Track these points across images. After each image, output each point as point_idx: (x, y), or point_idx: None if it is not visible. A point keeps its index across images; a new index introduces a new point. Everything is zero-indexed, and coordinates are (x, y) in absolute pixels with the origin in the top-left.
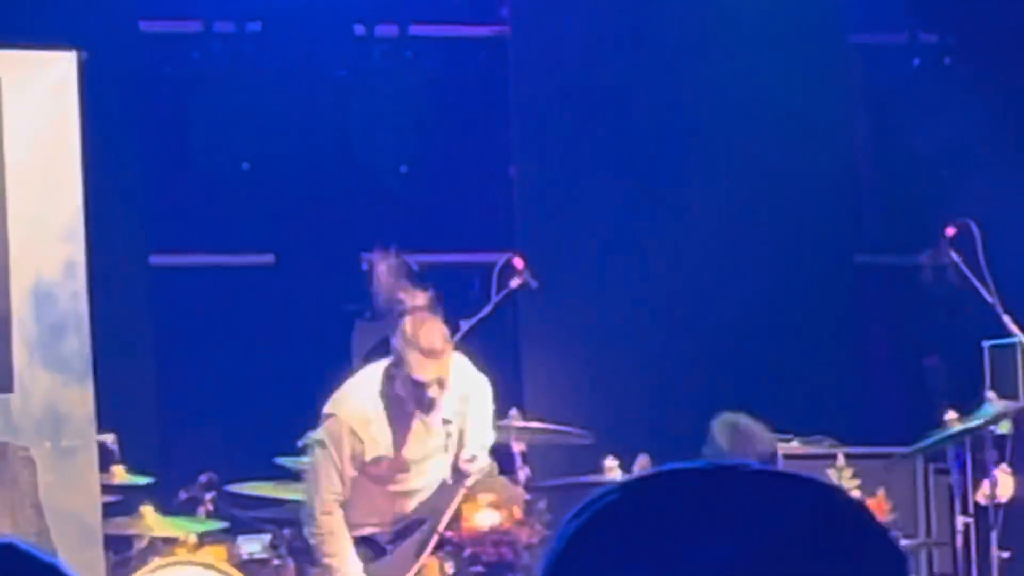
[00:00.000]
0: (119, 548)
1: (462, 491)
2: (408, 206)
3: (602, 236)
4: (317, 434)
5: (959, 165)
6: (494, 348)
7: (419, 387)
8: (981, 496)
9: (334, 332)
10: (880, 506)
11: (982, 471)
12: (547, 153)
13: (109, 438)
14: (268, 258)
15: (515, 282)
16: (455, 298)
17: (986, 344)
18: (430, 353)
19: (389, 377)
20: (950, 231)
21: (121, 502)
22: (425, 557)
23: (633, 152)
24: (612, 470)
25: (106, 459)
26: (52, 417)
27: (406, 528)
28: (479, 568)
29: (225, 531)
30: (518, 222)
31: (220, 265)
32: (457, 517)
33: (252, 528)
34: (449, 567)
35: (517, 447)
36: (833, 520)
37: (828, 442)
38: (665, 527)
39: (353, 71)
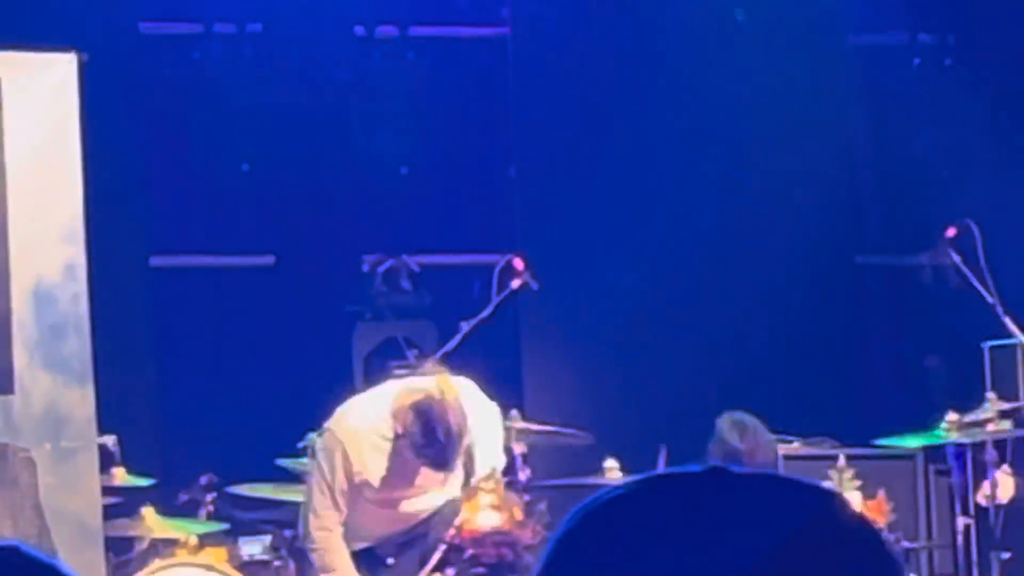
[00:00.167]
0: (120, 549)
1: (466, 503)
2: (409, 207)
3: (602, 237)
4: (316, 445)
5: (959, 166)
6: (495, 349)
7: (428, 451)
8: (982, 497)
9: (334, 333)
10: (880, 507)
11: (982, 472)
12: (548, 154)
13: (110, 439)
14: (268, 259)
15: (516, 283)
16: (456, 299)
17: (986, 345)
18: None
19: (396, 440)
20: (950, 232)
21: (122, 503)
22: (428, 570)
23: (633, 153)
24: (612, 471)
25: (106, 460)
26: (52, 418)
27: (408, 541)
28: (480, 569)
29: (226, 532)
30: (519, 223)
31: (220, 266)
32: (456, 522)
33: (253, 529)
34: (449, 570)
35: (518, 448)
36: (827, 524)
37: (829, 443)
38: (659, 531)
39: (354, 72)
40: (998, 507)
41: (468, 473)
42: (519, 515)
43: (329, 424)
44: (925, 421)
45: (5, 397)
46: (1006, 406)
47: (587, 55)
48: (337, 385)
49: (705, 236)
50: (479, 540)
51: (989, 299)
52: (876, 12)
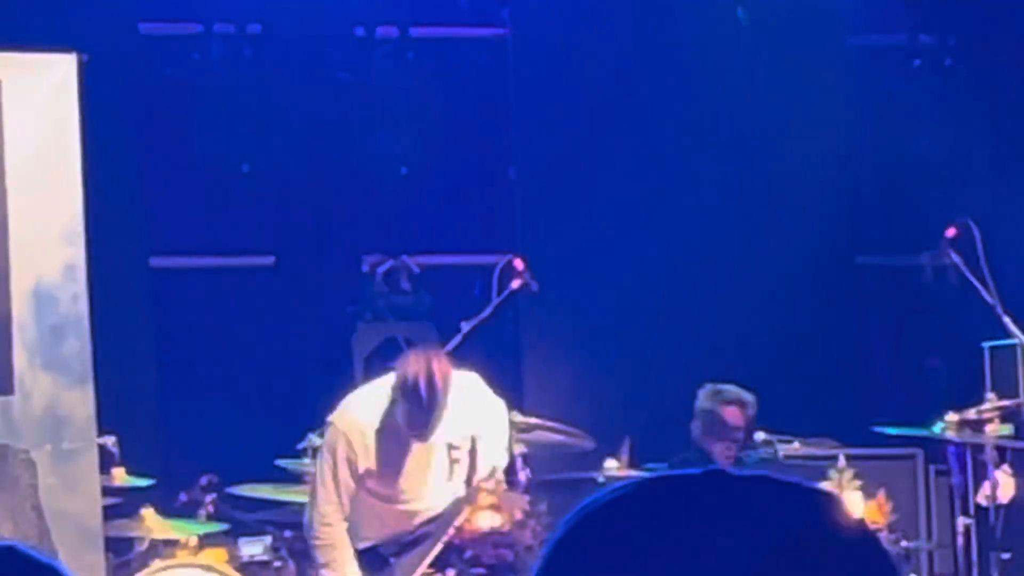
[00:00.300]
0: (120, 550)
1: (468, 505)
2: (409, 208)
3: (602, 238)
4: (320, 442)
5: (959, 166)
6: (495, 350)
7: (415, 421)
8: (982, 497)
9: (334, 334)
10: (881, 507)
11: (983, 472)
12: (547, 155)
13: (110, 440)
14: (268, 260)
15: (516, 284)
16: (456, 300)
17: (986, 345)
18: (429, 430)
19: (390, 399)
20: (950, 232)
21: (122, 504)
22: (425, 566)
23: (633, 153)
24: (612, 471)
25: (107, 461)
26: (53, 419)
27: (411, 541)
28: (480, 570)
29: (226, 533)
30: (518, 224)
31: (220, 267)
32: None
33: (253, 530)
34: (450, 570)
35: (518, 449)
36: (823, 526)
37: (829, 443)
38: (657, 533)
39: (354, 73)
40: (998, 507)
41: (472, 467)
42: (519, 516)
43: (331, 418)
44: (925, 421)
45: (5, 398)
46: (1006, 403)
47: (587, 56)
48: (337, 385)
49: (705, 236)
50: (479, 540)
51: (989, 299)
52: (876, 13)
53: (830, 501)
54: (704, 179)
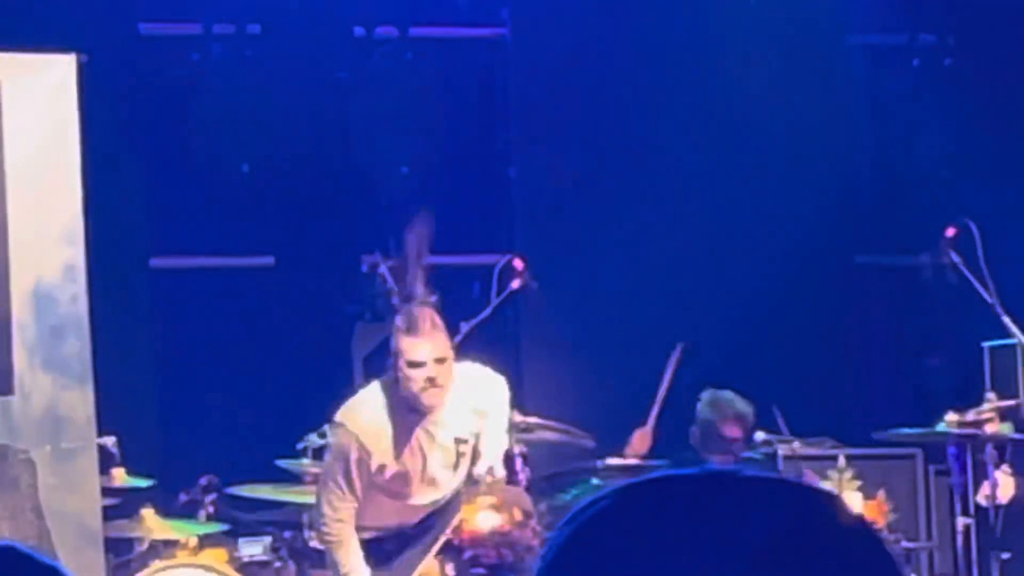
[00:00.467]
0: (120, 551)
1: (469, 500)
2: (408, 208)
3: (602, 237)
4: (328, 441)
5: (959, 166)
6: (495, 350)
7: (416, 368)
8: (982, 497)
9: (334, 334)
10: (881, 507)
11: (983, 472)
12: (547, 155)
13: (109, 441)
14: (268, 260)
15: (515, 284)
16: (456, 300)
17: (986, 345)
18: (420, 332)
19: (392, 382)
20: (950, 232)
21: (121, 505)
22: (428, 559)
23: (632, 153)
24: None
25: (106, 462)
26: (52, 420)
27: (416, 533)
28: (480, 570)
29: (225, 533)
30: (518, 224)
31: (220, 267)
32: (458, 519)
33: (253, 530)
34: (450, 569)
35: (518, 449)
36: (824, 525)
37: (829, 443)
38: (656, 533)
39: (353, 73)
40: (998, 507)
41: (475, 454)
42: (519, 516)
43: (340, 419)
44: (925, 421)
45: (5, 398)
46: (1005, 404)
47: (586, 56)
48: (336, 386)
49: (704, 236)
50: (479, 541)
51: (989, 299)
52: (876, 12)
53: (831, 500)
54: (703, 179)
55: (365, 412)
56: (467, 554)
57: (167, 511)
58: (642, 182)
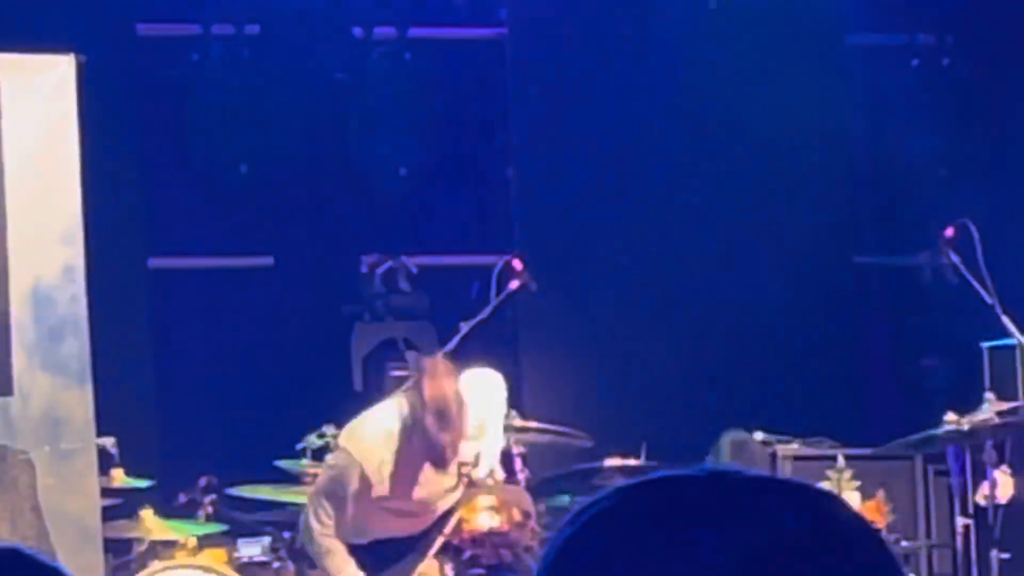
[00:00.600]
0: (119, 551)
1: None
2: (407, 208)
3: (600, 237)
4: (328, 459)
5: (958, 166)
6: (493, 350)
7: (435, 448)
8: (981, 497)
9: (333, 334)
10: (880, 508)
11: (981, 472)
12: (545, 155)
13: (108, 441)
14: (267, 260)
15: (514, 284)
16: (454, 300)
17: (985, 345)
18: (446, 418)
19: (406, 431)
20: (949, 232)
21: (121, 505)
22: (426, 560)
23: (631, 153)
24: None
25: (105, 462)
26: (51, 420)
27: (410, 539)
28: (478, 570)
29: (225, 534)
30: (517, 224)
31: (219, 267)
32: (457, 519)
33: (252, 531)
34: (449, 569)
35: (517, 449)
36: (825, 525)
37: (828, 443)
38: (656, 534)
39: (352, 73)
40: (997, 507)
41: (476, 460)
42: (518, 516)
43: (343, 442)
44: (923, 421)
45: (4, 399)
46: (1005, 406)
47: (585, 56)
48: (335, 386)
49: (703, 236)
50: (478, 541)
51: (988, 299)
52: (875, 12)
53: (832, 500)
54: (702, 179)
55: (369, 437)
56: (466, 554)
57: (166, 512)
58: (640, 182)
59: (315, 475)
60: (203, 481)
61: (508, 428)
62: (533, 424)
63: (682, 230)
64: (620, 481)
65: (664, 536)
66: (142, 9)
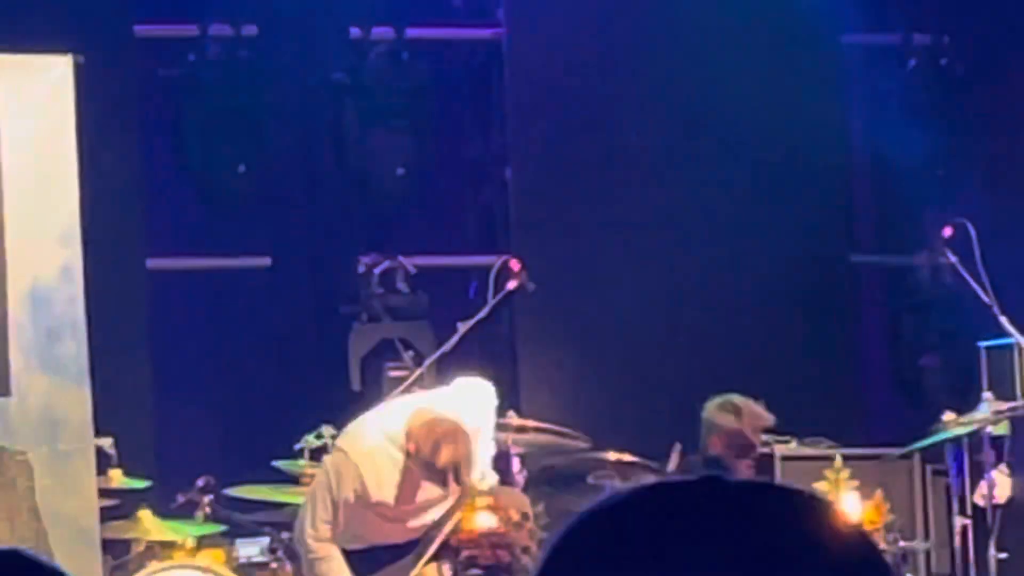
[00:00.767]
0: (116, 552)
1: (464, 506)
2: (405, 209)
3: (598, 238)
4: (325, 461)
5: (955, 165)
6: (491, 350)
7: (435, 472)
8: (979, 497)
9: (330, 335)
10: (878, 508)
11: (980, 472)
12: (543, 155)
13: (106, 442)
14: (264, 261)
15: (512, 285)
16: (452, 301)
17: (983, 345)
18: (457, 475)
19: (410, 467)
20: (946, 231)
21: (118, 506)
22: (423, 564)
23: (628, 153)
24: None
25: (103, 463)
26: (49, 421)
27: (406, 544)
28: (476, 571)
29: (223, 534)
30: (514, 225)
31: (216, 268)
32: (454, 522)
33: (250, 531)
34: (446, 570)
35: (514, 450)
36: (819, 531)
37: (825, 443)
38: (653, 539)
39: (349, 74)
40: (995, 507)
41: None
42: (515, 517)
43: (341, 445)
44: (922, 421)
45: (1, 399)
46: (1003, 405)
47: (582, 56)
48: (333, 387)
49: (700, 236)
50: (476, 541)
51: (985, 299)
52: (871, 12)
53: (827, 506)
54: (699, 179)
55: (369, 441)
56: (463, 555)
57: (164, 512)
58: (638, 182)
59: (313, 475)
60: (201, 481)
61: (506, 428)
62: (531, 424)
63: (679, 230)
64: (617, 484)
65: (660, 541)
66: (139, 10)
